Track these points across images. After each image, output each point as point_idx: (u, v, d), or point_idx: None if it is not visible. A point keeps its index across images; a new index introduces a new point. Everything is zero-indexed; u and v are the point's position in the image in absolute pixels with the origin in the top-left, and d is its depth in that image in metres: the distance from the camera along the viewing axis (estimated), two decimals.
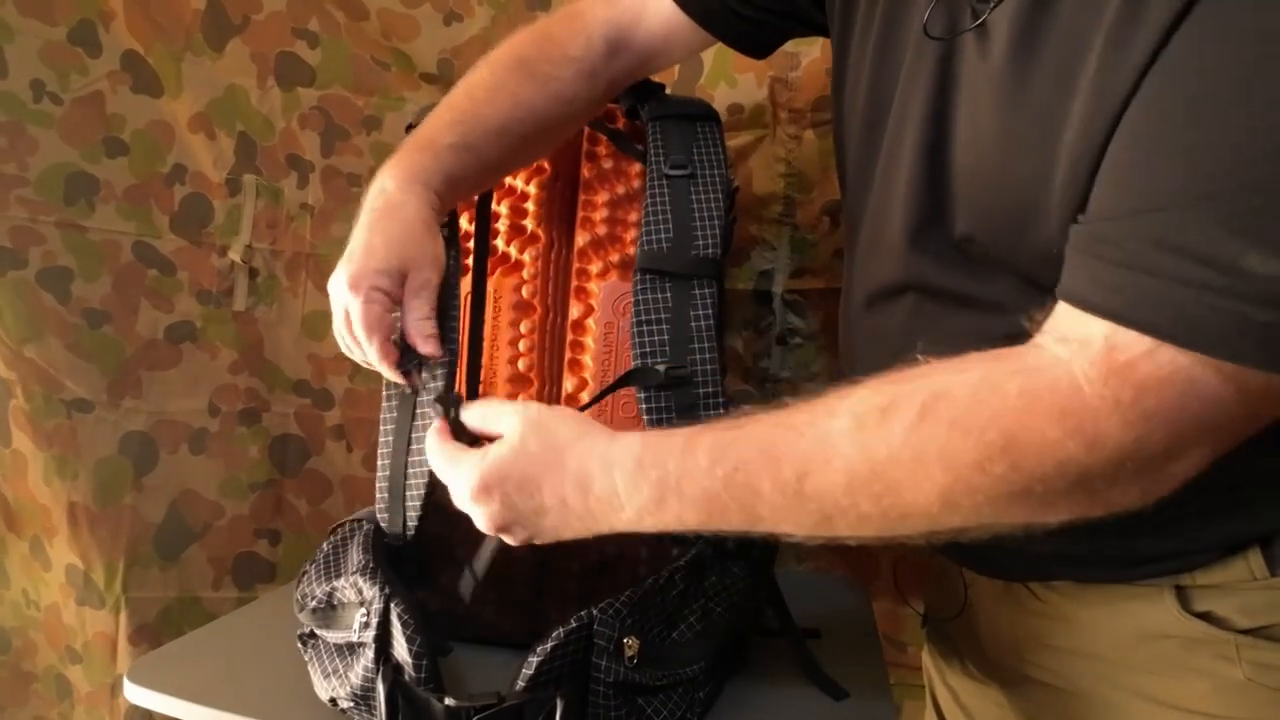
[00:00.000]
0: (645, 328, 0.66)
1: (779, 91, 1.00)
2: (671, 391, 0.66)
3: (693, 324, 0.68)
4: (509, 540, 0.55)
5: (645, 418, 0.66)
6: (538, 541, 0.54)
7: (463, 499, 0.54)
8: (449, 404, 0.59)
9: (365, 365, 0.63)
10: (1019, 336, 0.45)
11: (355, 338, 0.61)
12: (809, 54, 0.98)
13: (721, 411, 0.68)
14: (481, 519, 0.53)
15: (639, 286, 0.67)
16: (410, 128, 0.76)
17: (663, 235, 0.67)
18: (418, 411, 0.67)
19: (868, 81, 0.62)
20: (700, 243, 0.67)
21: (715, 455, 0.47)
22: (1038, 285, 0.46)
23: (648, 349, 0.66)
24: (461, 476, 0.53)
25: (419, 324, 0.62)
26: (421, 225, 0.63)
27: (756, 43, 0.75)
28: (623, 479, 0.50)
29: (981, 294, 0.53)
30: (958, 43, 0.51)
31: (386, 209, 0.63)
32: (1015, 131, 0.47)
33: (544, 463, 0.52)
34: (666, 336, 0.67)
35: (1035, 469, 0.40)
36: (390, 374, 0.62)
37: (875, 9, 0.61)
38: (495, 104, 0.66)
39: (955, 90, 0.52)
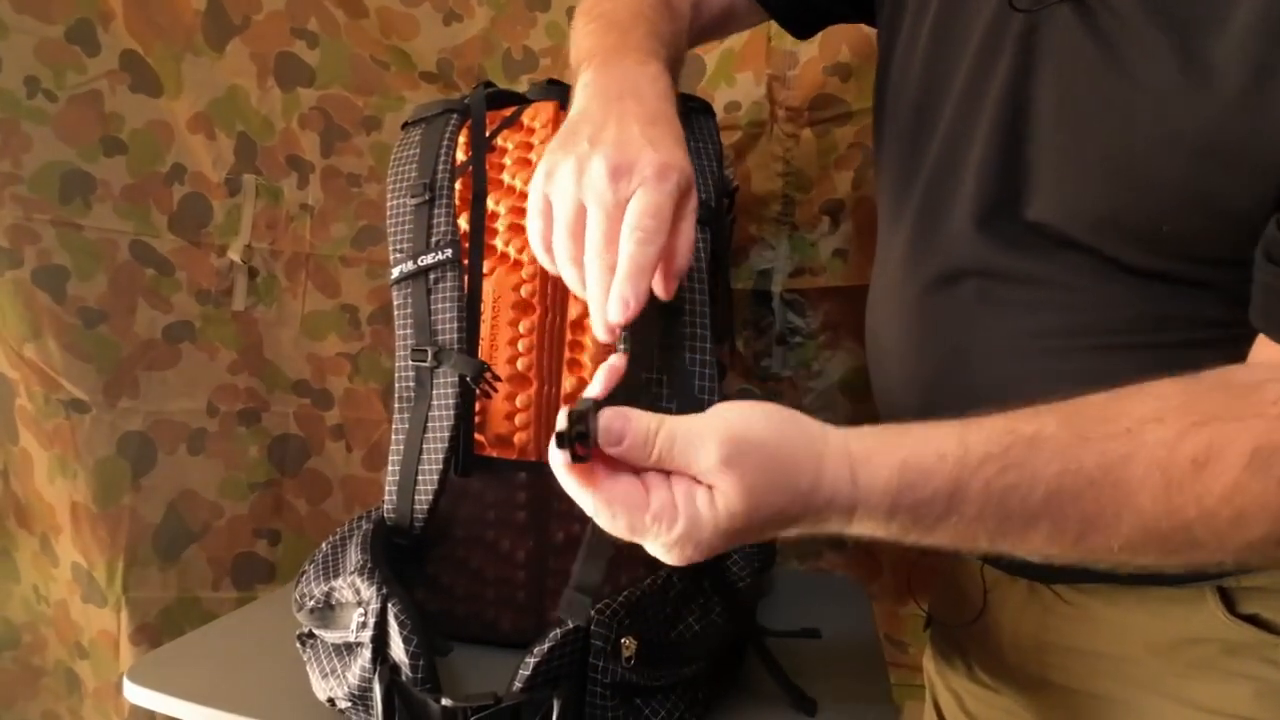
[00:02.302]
0: None
1: (777, 90, 1.00)
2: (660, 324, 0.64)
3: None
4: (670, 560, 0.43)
5: (622, 345, 0.63)
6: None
7: (665, 541, 0.40)
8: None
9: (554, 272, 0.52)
10: (1079, 314, 0.43)
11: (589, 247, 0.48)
12: (808, 53, 0.98)
13: (708, 357, 0.63)
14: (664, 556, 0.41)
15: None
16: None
17: None
18: (433, 403, 0.68)
19: (922, 63, 0.60)
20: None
21: (984, 504, 0.39)
22: (1113, 262, 0.44)
23: None
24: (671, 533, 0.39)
25: (685, 255, 0.50)
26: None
27: (803, 22, 0.76)
28: (867, 526, 0.41)
29: (1048, 276, 0.51)
30: (1046, 14, 0.48)
31: (648, 87, 0.53)
32: (1140, 103, 0.44)
33: (771, 522, 0.40)
34: None
35: None
36: (615, 305, 0.46)
37: None
38: (637, 28, 0.61)
39: (1043, 65, 0.49)
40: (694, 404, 0.64)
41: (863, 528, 0.40)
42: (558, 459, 0.40)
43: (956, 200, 0.56)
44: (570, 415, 0.40)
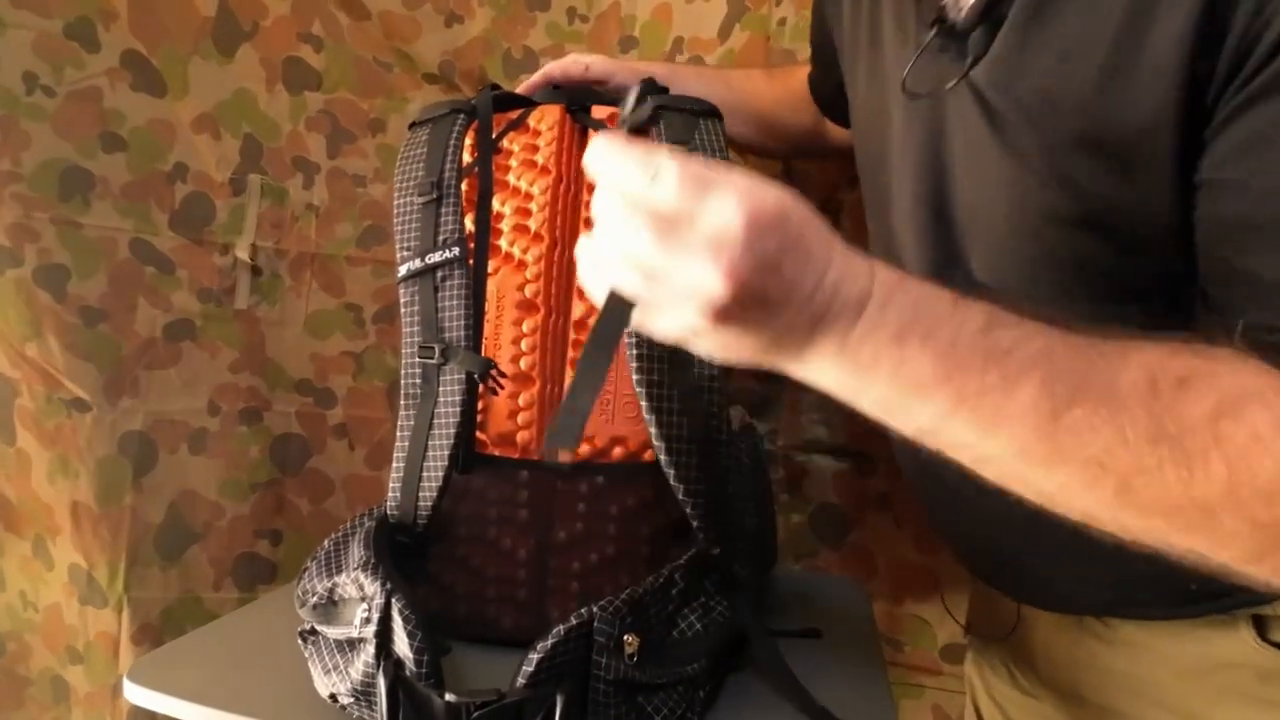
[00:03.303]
0: None
1: None
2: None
3: None
4: (697, 344, 0.40)
5: (633, 363, 0.64)
6: (725, 343, 0.40)
7: (720, 240, 0.36)
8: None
9: None
10: None
11: None
12: (806, 53, 0.98)
13: (716, 370, 0.66)
14: (701, 304, 0.37)
15: None
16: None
17: None
18: (440, 400, 0.68)
19: (861, 138, 0.65)
20: None
21: (983, 328, 0.38)
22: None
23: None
24: (725, 204, 0.36)
25: None
26: None
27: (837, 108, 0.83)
28: (865, 334, 0.38)
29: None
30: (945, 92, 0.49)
31: None
32: (1028, 181, 0.45)
33: (817, 235, 0.38)
34: None
35: None
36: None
37: (858, 68, 0.63)
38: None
39: (952, 136, 0.51)
40: (702, 418, 0.66)
41: (860, 335, 0.38)
42: (607, 134, 0.38)
43: (907, 259, 0.58)
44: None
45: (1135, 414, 0.36)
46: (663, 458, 0.65)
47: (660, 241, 0.37)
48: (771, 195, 0.37)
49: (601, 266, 0.40)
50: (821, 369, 0.40)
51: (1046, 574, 0.63)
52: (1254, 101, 0.38)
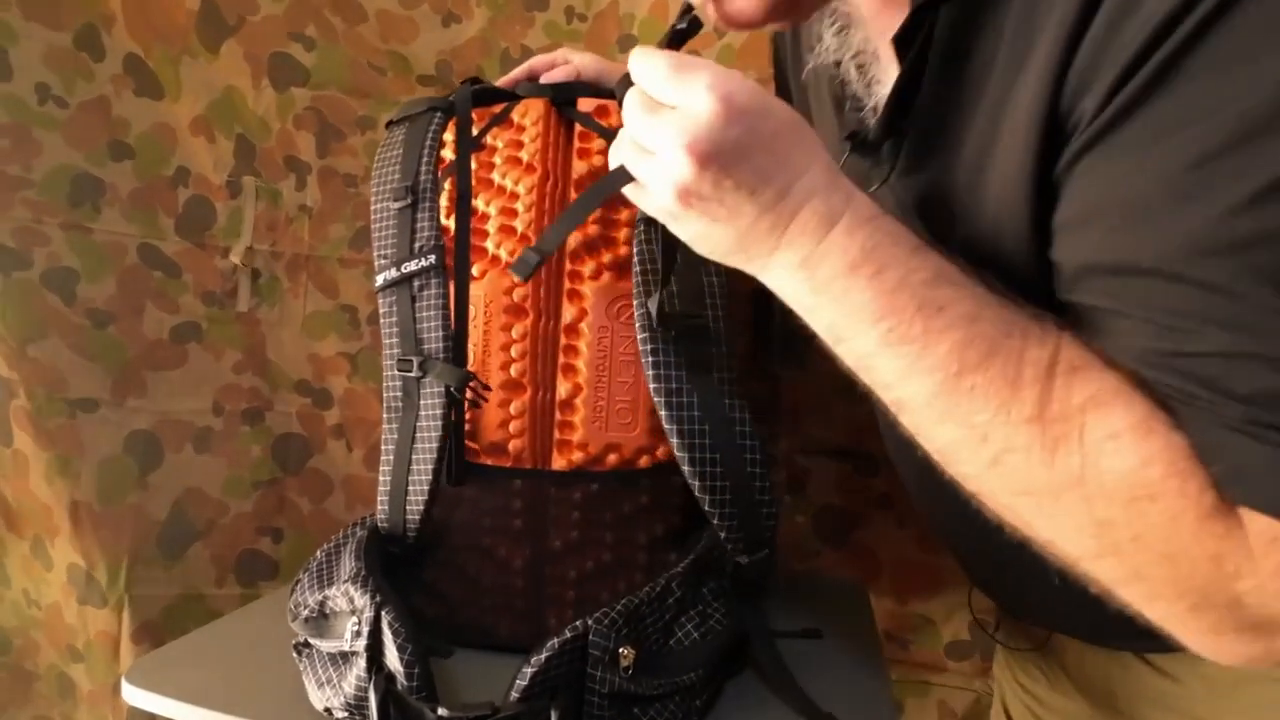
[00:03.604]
0: (645, 276, 0.64)
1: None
2: (684, 344, 0.64)
3: (704, 279, 0.67)
4: (676, 227, 0.45)
5: (650, 371, 0.63)
6: (692, 232, 0.45)
7: (689, 124, 0.40)
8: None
9: None
10: None
11: None
12: None
13: (733, 373, 0.66)
14: (681, 165, 0.41)
15: (641, 238, 0.66)
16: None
17: None
18: (421, 414, 0.67)
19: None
20: None
21: (931, 277, 0.40)
22: None
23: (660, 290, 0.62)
24: (698, 85, 0.40)
25: None
26: None
27: None
28: (850, 219, 0.41)
29: None
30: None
31: None
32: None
33: (799, 142, 0.42)
34: (675, 288, 0.65)
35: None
36: None
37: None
38: None
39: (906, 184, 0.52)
40: (726, 423, 0.65)
41: (821, 254, 0.41)
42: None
43: None
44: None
45: (1024, 393, 0.37)
46: (686, 469, 0.64)
47: (644, 121, 0.42)
48: (747, 90, 0.40)
49: (617, 145, 0.45)
50: (783, 278, 0.43)
51: (1066, 614, 0.63)
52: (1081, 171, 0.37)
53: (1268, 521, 0.33)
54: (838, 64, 0.53)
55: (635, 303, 0.66)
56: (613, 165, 0.46)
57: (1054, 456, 0.37)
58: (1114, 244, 0.36)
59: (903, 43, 0.42)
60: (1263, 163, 0.30)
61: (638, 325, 0.64)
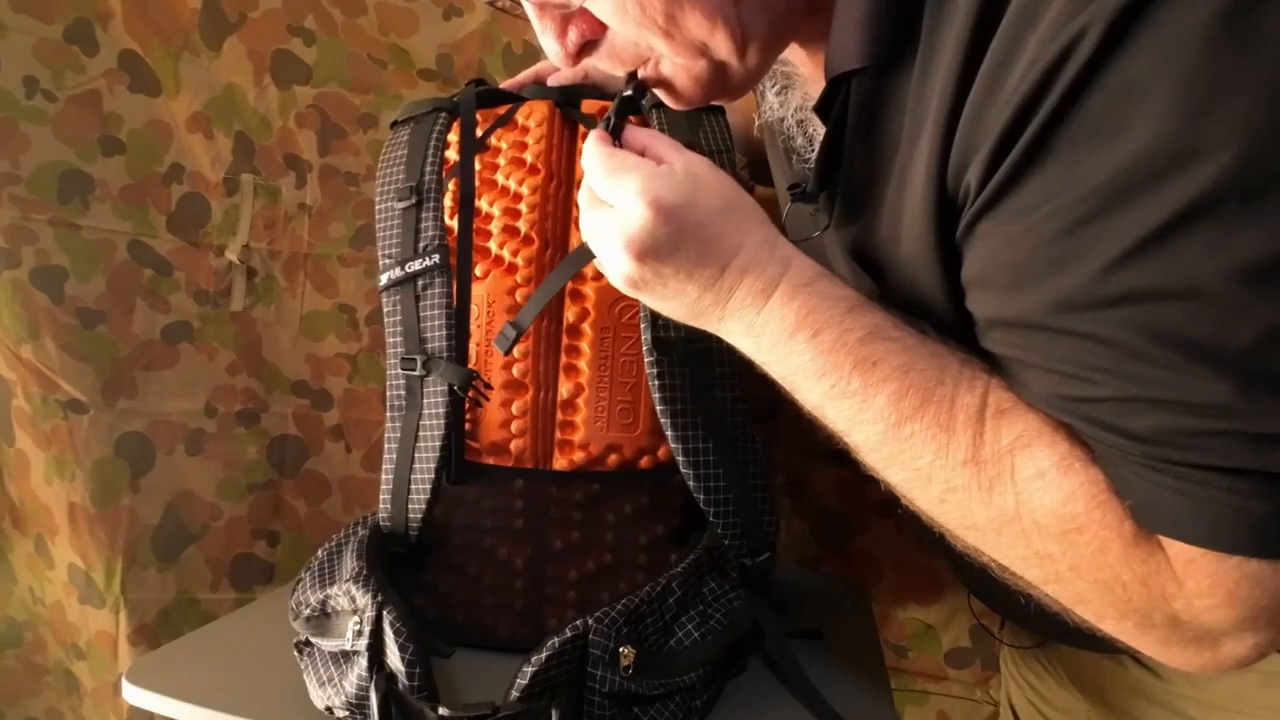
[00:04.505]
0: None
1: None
2: (688, 368, 0.65)
3: None
4: (635, 293, 0.49)
5: (656, 395, 0.64)
6: (653, 306, 0.50)
7: (622, 224, 0.46)
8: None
9: None
10: None
11: None
12: None
13: (736, 393, 0.67)
14: (623, 260, 0.46)
15: None
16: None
17: None
18: (424, 412, 0.67)
19: None
20: None
21: (867, 334, 0.44)
22: None
23: (660, 320, 0.63)
24: (628, 191, 0.46)
25: None
26: None
27: None
28: (774, 311, 0.46)
29: None
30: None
31: None
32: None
33: (726, 226, 0.46)
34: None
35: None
36: None
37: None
38: None
39: (833, 267, 0.54)
40: (730, 440, 0.66)
41: (763, 321, 0.45)
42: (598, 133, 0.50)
43: None
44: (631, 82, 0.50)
45: (959, 438, 0.41)
46: (691, 484, 0.66)
47: (590, 215, 0.48)
48: (671, 188, 0.45)
49: (583, 223, 0.50)
50: (735, 340, 0.48)
51: (1054, 619, 0.65)
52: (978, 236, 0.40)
53: (1182, 546, 0.36)
54: (782, 120, 0.57)
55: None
56: (584, 237, 0.51)
57: (990, 495, 0.40)
58: (1007, 303, 0.39)
59: (822, 110, 0.46)
60: (1125, 227, 0.33)
61: (645, 349, 0.65)
